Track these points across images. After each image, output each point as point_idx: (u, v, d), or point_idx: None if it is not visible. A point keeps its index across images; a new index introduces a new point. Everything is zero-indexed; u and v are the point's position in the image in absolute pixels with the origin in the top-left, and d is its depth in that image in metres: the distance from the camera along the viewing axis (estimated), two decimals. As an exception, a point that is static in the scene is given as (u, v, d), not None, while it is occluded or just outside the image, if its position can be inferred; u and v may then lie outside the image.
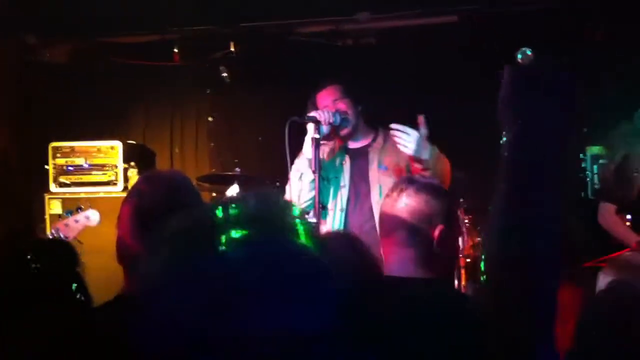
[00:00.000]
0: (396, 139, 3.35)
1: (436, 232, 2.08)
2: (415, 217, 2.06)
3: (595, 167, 5.35)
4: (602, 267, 4.01)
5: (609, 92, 5.22)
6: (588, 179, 5.37)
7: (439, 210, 2.10)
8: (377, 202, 3.54)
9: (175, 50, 5.72)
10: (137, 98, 6.22)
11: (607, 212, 4.19)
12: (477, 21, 5.43)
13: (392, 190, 2.16)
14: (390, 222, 2.10)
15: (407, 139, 3.32)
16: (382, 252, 2.17)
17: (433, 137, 3.73)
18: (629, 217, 4.32)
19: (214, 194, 5.79)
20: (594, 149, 5.42)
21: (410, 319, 1.92)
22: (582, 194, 5.39)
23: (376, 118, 3.86)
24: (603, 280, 2.12)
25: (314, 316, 0.90)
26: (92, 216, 4.10)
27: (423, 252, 2.06)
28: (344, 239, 1.65)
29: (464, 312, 1.92)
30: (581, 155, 5.41)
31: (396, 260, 2.07)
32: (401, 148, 3.34)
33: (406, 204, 2.08)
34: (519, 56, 5.35)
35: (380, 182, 3.59)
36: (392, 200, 2.12)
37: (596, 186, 5.34)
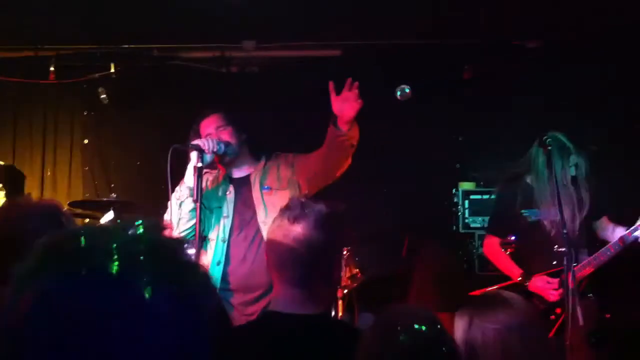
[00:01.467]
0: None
1: (327, 265, 2.04)
2: (305, 253, 1.96)
3: (466, 202, 5.60)
4: (472, 298, 4.20)
5: (483, 130, 5.51)
6: (459, 214, 5.60)
7: (330, 241, 2.02)
8: (262, 221, 3.51)
9: (52, 68, 5.48)
10: (7, 116, 5.89)
11: (492, 244, 4.35)
12: (360, 56, 5.59)
13: (280, 220, 2.03)
14: (283, 255, 1.99)
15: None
16: (273, 283, 2.08)
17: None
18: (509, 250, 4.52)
19: (86, 220, 5.55)
20: (466, 185, 5.68)
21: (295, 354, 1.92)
22: (454, 227, 5.63)
23: (261, 146, 3.85)
24: (458, 321, 2.08)
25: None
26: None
27: (316, 288, 2.01)
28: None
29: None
30: (453, 190, 5.65)
31: (286, 296, 2.01)
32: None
33: (301, 236, 1.96)
34: (398, 93, 5.56)
35: (264, 203, 3.58)
36: (281, 233, 2.00)
37: (467, 220, 5.58)
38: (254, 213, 3.58)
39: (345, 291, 4.78)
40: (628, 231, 3.98)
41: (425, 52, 5.54)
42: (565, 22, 4.87)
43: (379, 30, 5.23)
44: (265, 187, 3.61)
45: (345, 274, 4.78)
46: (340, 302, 4.66)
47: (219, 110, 3.75)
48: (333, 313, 4.62)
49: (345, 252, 4.81)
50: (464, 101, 5.65)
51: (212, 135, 3.62)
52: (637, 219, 3.96)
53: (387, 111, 5.57)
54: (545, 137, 4.00)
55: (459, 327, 2.02)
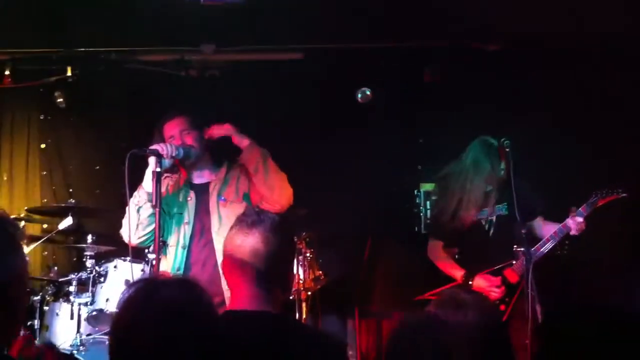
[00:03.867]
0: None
1: (282, 270, 2.18)
2: (262, 257, 2.09)
3: (428, 202, 5.66)
4: (433, 299, 4.24)
5: (443, 131, 5.56)
6: (421, 214, 5.66)
7: (284, 248, 2.17)
8: (216, 232, 3.50)
9: (7, 72, 5.37)
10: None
11: (434, 248, 4.42)
12: (322, 58, 5.59)
13: (238, 226, 2.15)
14: (237, 261, 2.11)
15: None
16: (230, 288, 2.18)
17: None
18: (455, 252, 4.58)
19: (44, 226, 5.46)
20: (427, 186, 5.74)
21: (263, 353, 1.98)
22: (416, 228, 5.68)
23: (223, 151, 3.82)
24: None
25: None
26: None
27: (272, 290, 2.12)
28: (179, 287, 1.63)
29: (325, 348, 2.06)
30: (415, 192, 5.70)
31: (244, 297, 2.11)
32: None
33: (253, 243, 2.10)
34: (359, 95, 5.59)
35: (219, 213, 3.55)
36: (239, 238, 2.12)
37: (428, 221, 5.64)
38: (210, 226, 3.55)
39: (309, 293, 4.78)
40: (554, 230, 4.15)
41: (387, 55, 5.57)
42: (524, 27, 4.94)
43: (340, 33, 5.24)
44: (222, 197, 3.58)
45: (308, 276, 4.78)
46: (303, 305, 4.66)
47: (184, 113, 3.71)
48: (297, 315, 4.62)
49: (308, 255, 4.82)
50: (425, 103, 5.70)
51: (175, 138, 3.58)
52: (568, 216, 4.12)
53: (348, 113, 5.60)
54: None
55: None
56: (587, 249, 4.78)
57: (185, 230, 3.57)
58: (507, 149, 4.04)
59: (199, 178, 3.69)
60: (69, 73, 5.48)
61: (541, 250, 4.15)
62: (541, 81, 5.38)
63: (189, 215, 3.59)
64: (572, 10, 4.58)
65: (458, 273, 4.24)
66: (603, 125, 5.33)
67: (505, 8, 4.61)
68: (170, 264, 3.53)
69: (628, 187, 4.21)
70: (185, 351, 1.54)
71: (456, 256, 4.42)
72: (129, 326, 1.57)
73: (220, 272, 2.20)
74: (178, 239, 3.56)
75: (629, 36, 4.89)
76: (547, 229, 4.26)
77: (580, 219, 4.10)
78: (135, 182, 3.53)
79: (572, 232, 4.12)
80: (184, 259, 3.53)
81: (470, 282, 4.17)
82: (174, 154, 3.44)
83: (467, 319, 2.09)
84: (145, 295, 1.61)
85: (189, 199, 3.63)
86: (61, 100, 5.51)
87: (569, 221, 4.12)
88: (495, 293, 4.10)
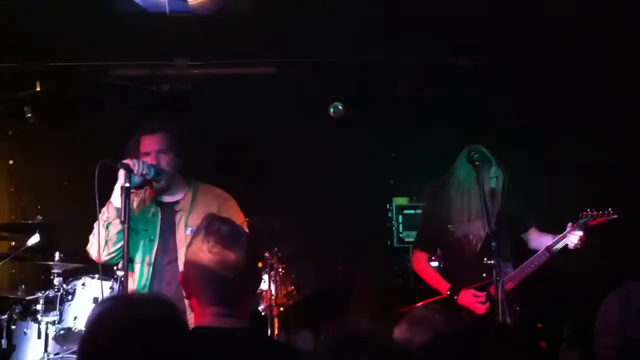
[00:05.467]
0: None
1: (254, 285, 2.16)
2: (238, 271, 2.04)
3: (400, 217, 5.66)
4: (405, 316, 4.23)
5: (416, 146, 5.58)
6: (394, 228, 5.66)
7: (256, 262, 2.14)
8: (182, 258, 3.40)
9: (-26, 87, 5.30)
10: None
11: (419, 260, 4.40)
12: (295, 73, 5.59)
13: (210, 237, 2.08)
14: (197, 274, 2.06)
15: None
16: (196, 305, 2.11)
17: (249, 189, 3.77)
18: (433, 264, 4.57)
19: (12, 243, 5.36)
20: (399, 200, 5.74)
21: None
22: (389, 242, 5.68)
23: (192, 172, 3.74)
24: (399, 334, 2.19)
25: None
26: None
27: (235, 303, 2.07)
28: (158, 304, 1.59)
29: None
30: (387, 206, 5.71)
31: (211, 313, 2.06)
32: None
33: (230, 257, 2.04)
34: (331, 110, 5.59)
35: (186, 241, 3.46)
36: (196, 251, 2.07)
37: (401, 235, 5.64)
38: (177, 248, 3.48)
39: (282, 309, 4.75)
40: (551, 243, 4.12)
41: (359, 70, 5.59)
42: (496, 42, 4.99)
43: (313, 47, 5.25)
44: (190, 228, 3.46)
45: (281, 291, 4.75)
46: (276, 320, 4.62)
47: (164, 129, 3.60)
48: (269, 330, 4.58)
49: (280, 270, 4.78)
50: (397, 117, 5.72)
51: (150, 156, 3.51)
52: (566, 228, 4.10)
53: (321, 128, 5.60)
54: (472, 152, 4.09)
55: (399, 337, 2.14)
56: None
57: (151, 247, 3.51)
58: (477, 162, 4.05)
59: (167, 197, 3.64)
60: (38, 88, 5.41)
61: (527, 269, 4.12)
62: (512, 95, 5.44)
63: (155, 232, 3.54)
64: (545, 24, 4.63)
65: (444, 286, 4.20)
66: (581, 138, 5.39)
67: (476, 23, 4.65)
68: (136, 281, 3.47)
69: (614, 207, 4.16)
70: None
71: (441, 267, 4.41)
72: (99, 345, 1.52)
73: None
74: (144, 256, 3.50)
75: (605, 49, 4.95)
76: (542, 240, 4.21)
77: (581, 233, 4.04)
78: (105, 196, 3.47)
79: (571, 246, 4.06)
80: (150, 277, 3.47)
81: (455, 297, 4.14)
82: (144, 172, 3.37)
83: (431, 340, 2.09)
84: (117, 313, 1.56)
85: (154, 215, 3.58)
86: (30, 115, 5.43)
87: (568, 237, 4.06)
88: (480, 308, 4.08)
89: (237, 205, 3.66)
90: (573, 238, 4.05)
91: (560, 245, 4.10)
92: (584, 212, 4.13)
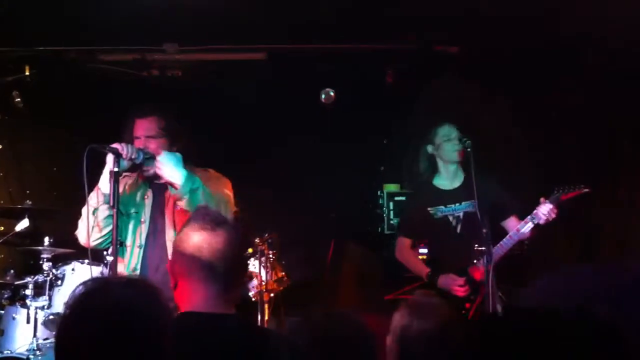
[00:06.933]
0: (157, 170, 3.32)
1: (241, 272, 2.18)
2: (226, 258, 2.07)
3: (391, 203, 5.67)
4: (401, 299, 4.26)
5: (405, 132, 5.58)
6: (384, 215, 5.67)
7: (242, 249, 2.15)
8: (170, 239, 3.39)
9: (-39, 71, 5.25)
10: None
11: (402, 246, 4.44)
12: (285, 59, 5.57)
13: (200, 224, 2.11)
14: (197, 260, 2.07)
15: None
16: (184, 291, 2.12)
17: (240, 175, 3.75)
18: (422, 251, 4.61)
19: (1, 228, 5.34)
20: (390, 187, 5.75)
21: (216, 353, 1.97)
22: (379, 229, 5.69)
23: (188, 157, 3.70)
24: (400, 320, 2.23)
25: None
26: None
27: (223, 288, 2.08)
28: (134, 286, 1.58)
29: (269, 348, 2.03)
30: (378, 192, 5.72)
31: (200, 298, 2.07)
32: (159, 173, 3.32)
33: (219, 243, 2.07)
34: (322, 96, 5.57)
35: (174, 223, 3.45)
36: (202, 237, 2.08)
37: (392, 222, 5.65)
38: (164, 226, 3.46)
39: (272, 295, 4.75)
40: (516, 228, 4.15)
41: (349, 56, 5.57)
42: (486, 29, 4.98)
43: (303, 33, 5.23)
44: (179, 206, 3.43)
45: (271, 277, 4.75)
46: (266, 306, 4.62)
47: (158, 114, 3.52)
48: (259, 316, 4.59)
49: (271, 256, 4.78)
50: (388, 104, 5.72)
51: (140, 140, 3.47)
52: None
53: (312, 114, 5.59)
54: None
55: (397, 322, 2.20)
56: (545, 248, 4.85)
57: (142, 229, 3.48)
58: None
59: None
60: (27, 72, 5.36)
61: (504, 246, 4.16)
62: (503, 82, 5.44)
63: (145, 214, 3.52)
64: (536, 12, 4.64)
65: (424, 271, 4.26)
66: (566, 123, 5.43)
67: (466, 9, 4.65)
68: (126, 264, 3.46)
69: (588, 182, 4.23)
70: (138, 352, 1.49)
71: (425, 254, 4.46)
72: (78, 325, 1.51)
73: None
74: (134, 239, 3.48)
75: (590, 37, 4.97)
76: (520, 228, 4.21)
77: (551, 205, 4.05)
78: (93, 181, 3.43)
79: (541, 221, 4.07)
80: (140, 259, 3.45)
81: (435, 279, 4.19)
82: (133, 157, 3.32)
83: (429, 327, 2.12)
84: (97, 293, 1.55)
85: (145, 197, 3.55)
86: (19, 100, 5.39)
87: (538, 210, 4.07)
88: (459, 291, 4.13)
89: (229, 183, 3.59)
90: (543, 209, 4.05)
91: (530, 224, 4.09)
92: (557, 187, 4.16)
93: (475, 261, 4.12)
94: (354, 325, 2.03)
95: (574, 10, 4.53)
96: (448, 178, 4.38)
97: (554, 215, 4.06)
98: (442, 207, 4.31)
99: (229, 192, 3.53)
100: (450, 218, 4.29)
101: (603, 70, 5.16)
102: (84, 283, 1.61)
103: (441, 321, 2.15)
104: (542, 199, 4.12)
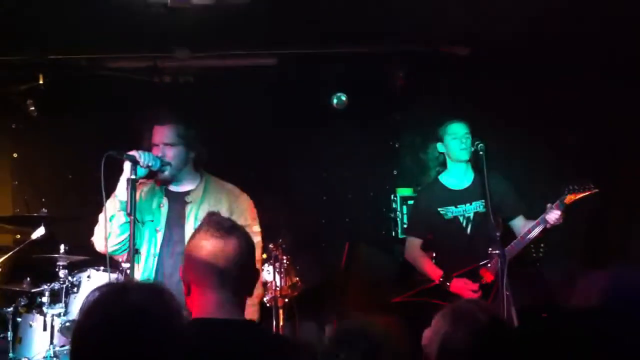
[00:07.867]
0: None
1: (252, 277, 2.18)
2: (237, 264, 2.07)
3: (404, 207, 5.66)
4: (409, 301, 4.26)
5: (417, 135, 5.58)
6: (398, 219, 5.66)
7: (253, 254, 2.16)
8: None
9: (-23, 80, 5.29)
10: None
11: (412, 246, 4.43)
12: (296, 64, 5.58)
13: (212, 231, 2.11)
14: (209, 266, 2.07)
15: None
16: (196, 297, 2.12)
17: (253, 180, 3.77)
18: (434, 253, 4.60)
19: (17, 236, 5.38)
20: (403, 191, 5.74)
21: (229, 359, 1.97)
22: (393, 233, 5.68)
23: (204, 164, 3.73)
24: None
25: None
26: None
27: (234, 294, 2.09)
28: (149, 291, 1.59)
29: (283, 354, 2.03)
30: (392, 197, 5.71)
31: (212, 304, 2.07)
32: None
33: (231, 249, 2.07)
34: (334, 101, 5.56)
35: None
36: (214, 243, 2.08)
37: (405, 225, 5.65)
38: (183, 239, 3.44)
39: (286, 300, 4.75)
40: (530, 226, 4.14)
41: (361, 60, 5.57)
42: (494, 32, 4.97)
43: (313, 38, 5.23)
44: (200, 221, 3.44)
45: (285, 282, 4.75)
46: (280, 311, 4.63)
47: (175, 121, 3.57)
48: (274, 322, 4.59)
49: (285, 261, 4.78)
50: (401, 108, 5.72)
51: (157, 147, 3.50)
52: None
53: (324, 119, 5.59)
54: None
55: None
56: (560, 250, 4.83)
57: (157, 237, 3.51)
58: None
59: (175, 187, 3.63)
60: (40, 81, 5.40)
61: (516, 248, 4.16)
62: (511, 85, 5.44)
63: (161, 222, 3.54)
64: (540, 15, 4.62)
65: (436, 273, 4.24)
66: (574, 126, 5.42)
67: (475, 12, 4.63)
68: (140, 271, 3.47)
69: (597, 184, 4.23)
70: (152, 357, 1.50)
71: (434, 255, 4.44)
72: (93, 329, 1.52)
73: None
74: (149, 247, 3.50)
75: (593, 42, 4.95)
76: (528, 228, 4.23)
77: (559, 212, 4.09)
78: (109, 188, 3.46)
79: (549, 225, 4.10)
80: (154, 267, 3.47)
81: (448, 284, 4.17)
82: (150, 164, 3.36)
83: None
84: (111, 298, 1.56)
85: (161, 205, 3.57)
86: (33, 108, 5.43)
87: (547, 215, 4.10)
88: (473, 297, 4.10)
89: (250, 202, 3.64)
90: (552, 216, 4.09)
91: (541, 226, 4.12)
92: (566, 188, 4.17)
93: (489, 264, 4.12)
94: (389, 331, 2.01)
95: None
96: (457, 177, 4.37)
97: (561, 220, 4.12)
98: (453, 207, 4.30)
99: (250, 210, 3.61)
100: (461, 219, 4.29)
101: (603, 70, 5.14)
102: (99, 288, 1.61)
103: (483, 329, 2.07)
104: (552, 205, 4.13)
